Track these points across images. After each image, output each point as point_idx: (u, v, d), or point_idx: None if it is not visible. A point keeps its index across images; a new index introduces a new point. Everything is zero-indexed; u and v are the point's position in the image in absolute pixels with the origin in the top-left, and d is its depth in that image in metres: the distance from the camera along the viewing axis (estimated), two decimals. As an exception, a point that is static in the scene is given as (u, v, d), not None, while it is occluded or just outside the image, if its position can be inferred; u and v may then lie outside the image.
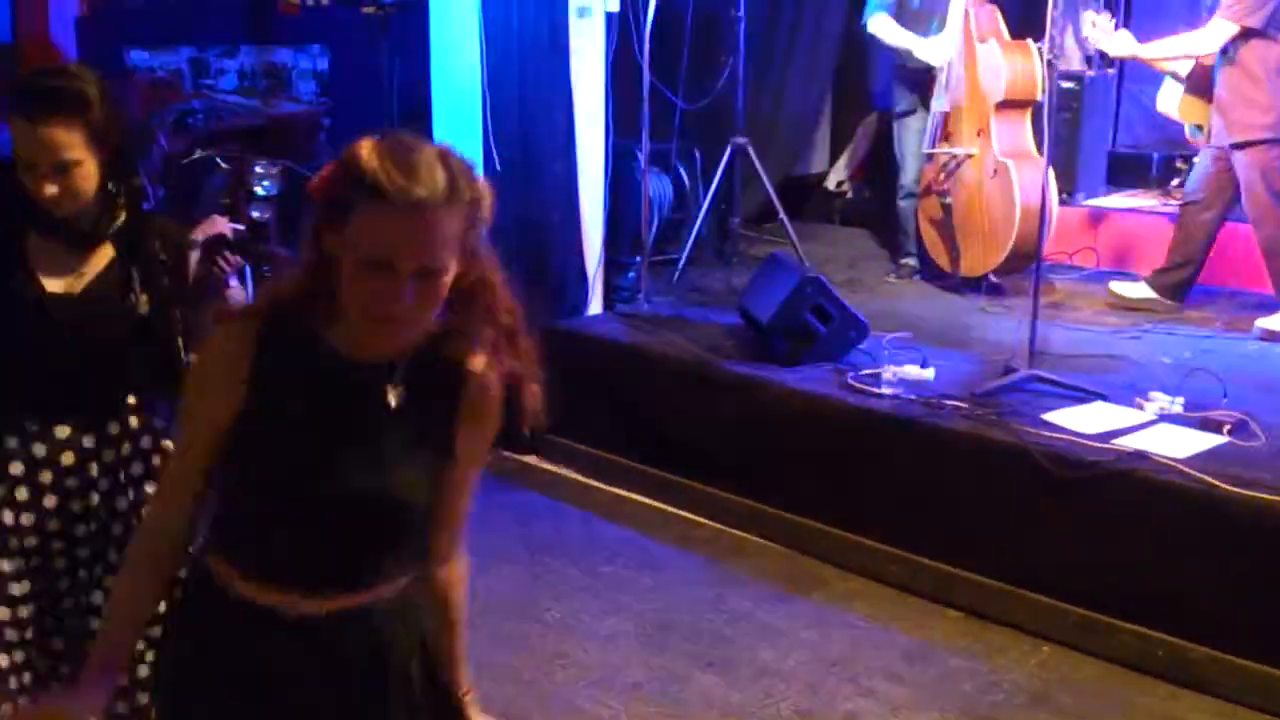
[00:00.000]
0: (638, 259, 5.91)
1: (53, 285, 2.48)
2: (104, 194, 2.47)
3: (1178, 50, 5.67)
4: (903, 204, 6.47)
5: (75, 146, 2.37)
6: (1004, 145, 5.90)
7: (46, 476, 2.53)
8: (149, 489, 2.58)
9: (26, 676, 2.56)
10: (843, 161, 8.26)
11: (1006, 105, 5.92)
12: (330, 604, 1.80)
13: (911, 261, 6.51)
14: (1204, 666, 3.74)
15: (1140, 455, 3.94)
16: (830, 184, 8.25)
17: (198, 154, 6.37)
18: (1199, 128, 5.78)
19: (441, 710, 1.98)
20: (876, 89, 7.18)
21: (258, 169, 5.96)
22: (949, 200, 6.05)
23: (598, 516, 5.04)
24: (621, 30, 5.67)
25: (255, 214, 5.79)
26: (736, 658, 3.96)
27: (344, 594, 1.81)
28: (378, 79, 6.71)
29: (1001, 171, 5.85)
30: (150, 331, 2.54)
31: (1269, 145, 5.28)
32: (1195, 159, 5.84)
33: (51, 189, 2.38)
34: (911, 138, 6.32)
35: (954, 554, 4.27)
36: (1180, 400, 4.33)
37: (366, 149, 1.65)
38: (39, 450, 2.52)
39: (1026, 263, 5.54)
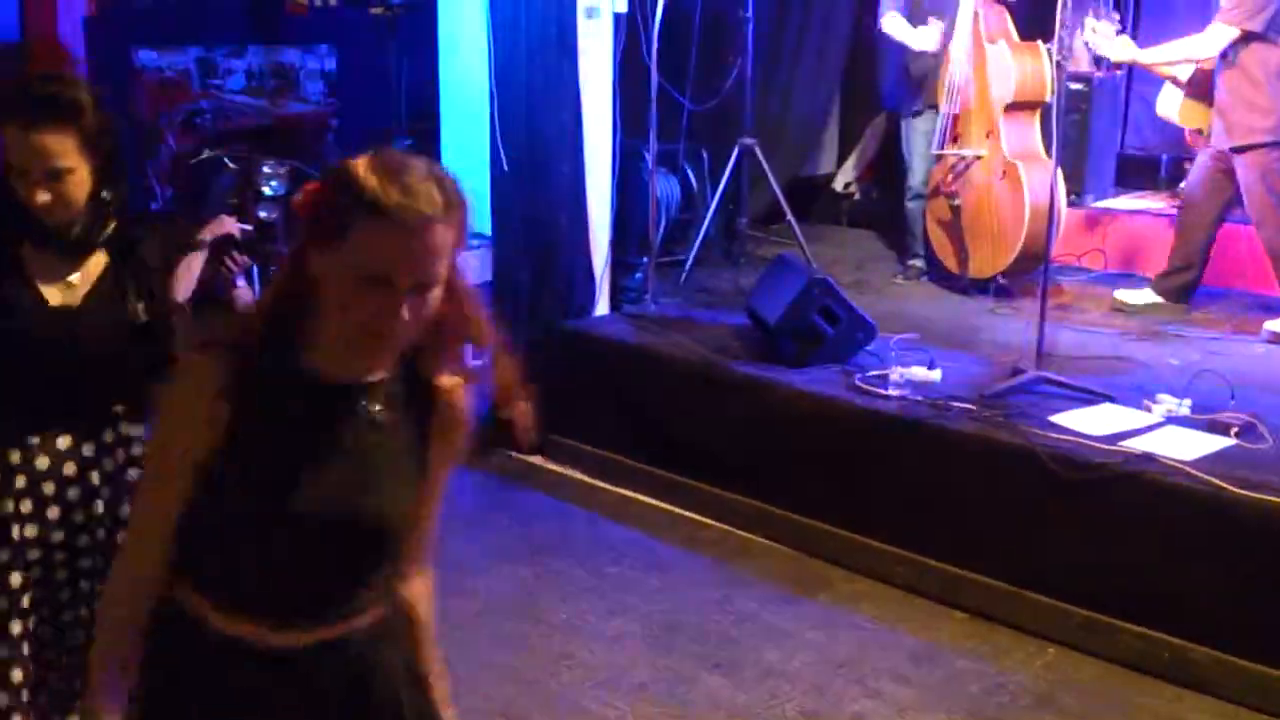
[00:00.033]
0: (645, 260, 5.91)
1: (51, 295, 2.47)
2: (95, 201, 2.45)
3: (1178, 55, 5.66)
4: (911, 205, 6.46)
5: (68, 153, 2.36)
6: (1013, 147, 5.90)
7: (49, 488, 2.53)
8: None
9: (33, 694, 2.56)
10: (850, 162, 8.25)
11: (1015, 107, 5.91)
12: (308, 636, 1.78)
13: (919, 263, 6.51)
14: (1208, 668, 3.74)
15: (1148, 457, 3.93)
16: (838, 185, 8.24)
17: (205, 154, 6.39)
18: (1199, 131, 5.77)
19: None
20: (885, 90, 7.16)
21: (265, 169, 5.98)
22: (957, 202, 6.04)
23: (604, 517, 5.03)
24: (629, 31, 5.67)
25: (263, 214, 5.81)
26: (743, 659, 3.96)
27: (322, 626, 1.79)
28: (385, 79, 6.73)
29: (1010, 173, 5.84)
30: (148, 338, 2.54)
31: (1269, 148, 5.28)
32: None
33: (44, 196, 2.37)
34: (920, 139, 6.32)
35: (961, 555, 4.26)
36: (1188, 402, 4.33)
37: (362, 167, 1.64)
38: (42, 463, 2.52)
39: (1035, 264, 5.52)
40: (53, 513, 2.53)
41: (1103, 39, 5.57)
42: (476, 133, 5.62)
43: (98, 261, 2.52)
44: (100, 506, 2.56)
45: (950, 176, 6.08)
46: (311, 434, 1.75)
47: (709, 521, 4.92)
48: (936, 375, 4.64)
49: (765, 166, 6.47)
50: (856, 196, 8.14)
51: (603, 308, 5.77)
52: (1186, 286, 5.72)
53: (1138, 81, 7.12)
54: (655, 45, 5.60)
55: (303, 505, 1.73)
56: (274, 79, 7.08)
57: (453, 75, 6.08)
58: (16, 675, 2.51)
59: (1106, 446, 4.02)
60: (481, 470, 5.16)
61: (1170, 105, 5.93)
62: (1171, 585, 3.82)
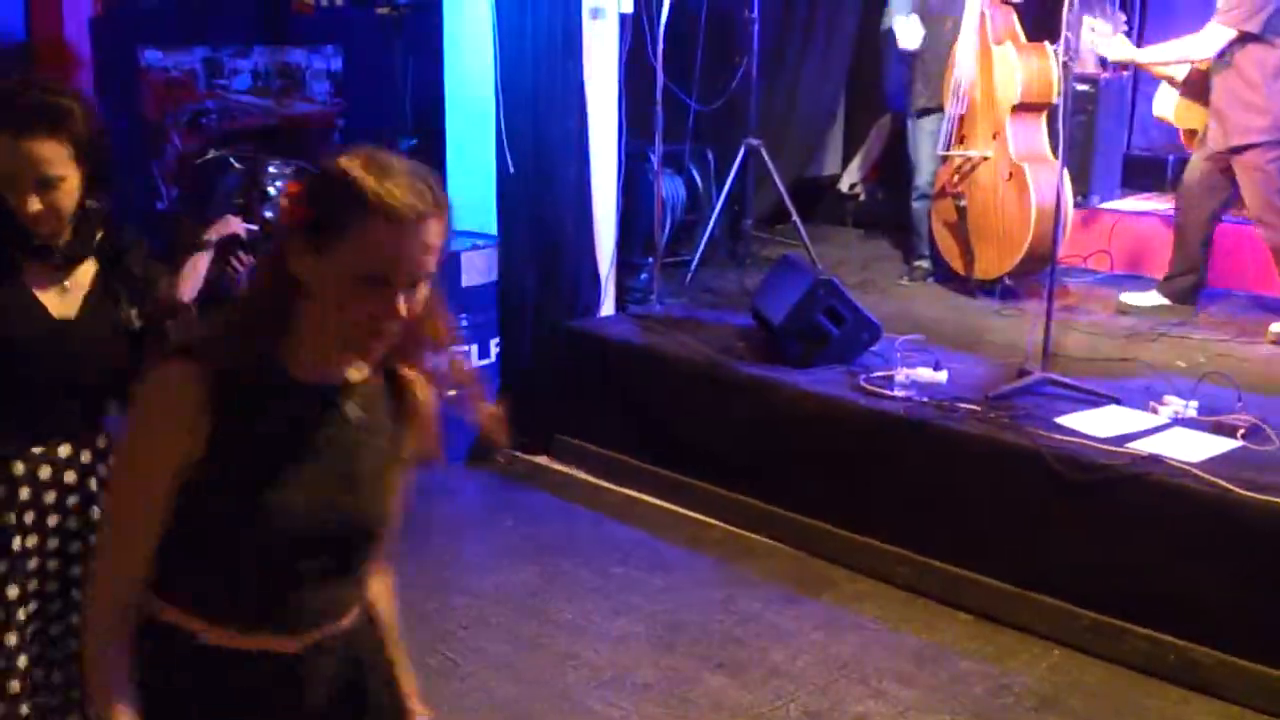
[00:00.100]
0: (650, 260, 5.91)
1: (50, 303, 2.47)
2: (84, 210, 2.45)
3: (1174, 55, 5.66)
4: (916, 206, 6.46)
5: (59, 161, 2.35)
6: (1019, 148, 5.89)
7: (51, 497, 2.52)
8: None
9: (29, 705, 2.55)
10: (856, 163, 8.25)
11: (1022, 108, 5.90)
12: (300, 640, 1.78)
13: (925, 264, 6.50)
14: (1214, 670, 3.73)
15: (1153, 459, 3.93)
16: (844, 186, 8.24)
17: (211, 154, 6.39)
18: (1193, 132, 5.76)
19: None
20: (891, 90, 7.16)
21: (271, 169, 5.98)
22: (963, 203, 6.03)
23: (609, 517, 5.04)
24: (635, 31, 5.67)
25: (268, 214, 5.80)
26: (747, 659, 3.96)
27: (312, 628, 1.79)
28: (391, 79, 6.73)
29: (1017, 174, 5.83)
30: (141, 344, 2.53)
31: (1267, 147, 5.28)
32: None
33: (35, 205, 2.36)
34: (926, 139, 6.31)
35: (966, 556, 4.26)
36: (1194, 404, 4.32)
37: (356, 167, 1.63)
38: (45, 473, 2.51)
39: (1041, 265, 5.52)
40: (52, 520, 2.53)
41: (1100, 38, 5.57)
42: (482, 133, 5.62)
43: (87, 270, 2.52)
44: (95, 513, 2.55)
45: (956, 177, 6.08)
46: (292, 436, 1.74)
47: (713, 522, 4.92)
48: (942, 376, 4.64)
49: (770, 167, 6.47)
50: (862, 197, 8.14)
51: (608, 308, 5.77)
52: (1190, 289, 5.71)
53: (1144, 83, 7.11)
54: (660, 46, 5.60)
55: (287, 508, 1.72)
56: (280, 79, 7.08)
57: (458, 75, 6.07)
58: (14, 687, 2.50)
59: (1112, 448, 4.02)
60: (487, 471, 5.18)
61: (1166, 105, 5.92)
62: (1178, 587, 3.82)
